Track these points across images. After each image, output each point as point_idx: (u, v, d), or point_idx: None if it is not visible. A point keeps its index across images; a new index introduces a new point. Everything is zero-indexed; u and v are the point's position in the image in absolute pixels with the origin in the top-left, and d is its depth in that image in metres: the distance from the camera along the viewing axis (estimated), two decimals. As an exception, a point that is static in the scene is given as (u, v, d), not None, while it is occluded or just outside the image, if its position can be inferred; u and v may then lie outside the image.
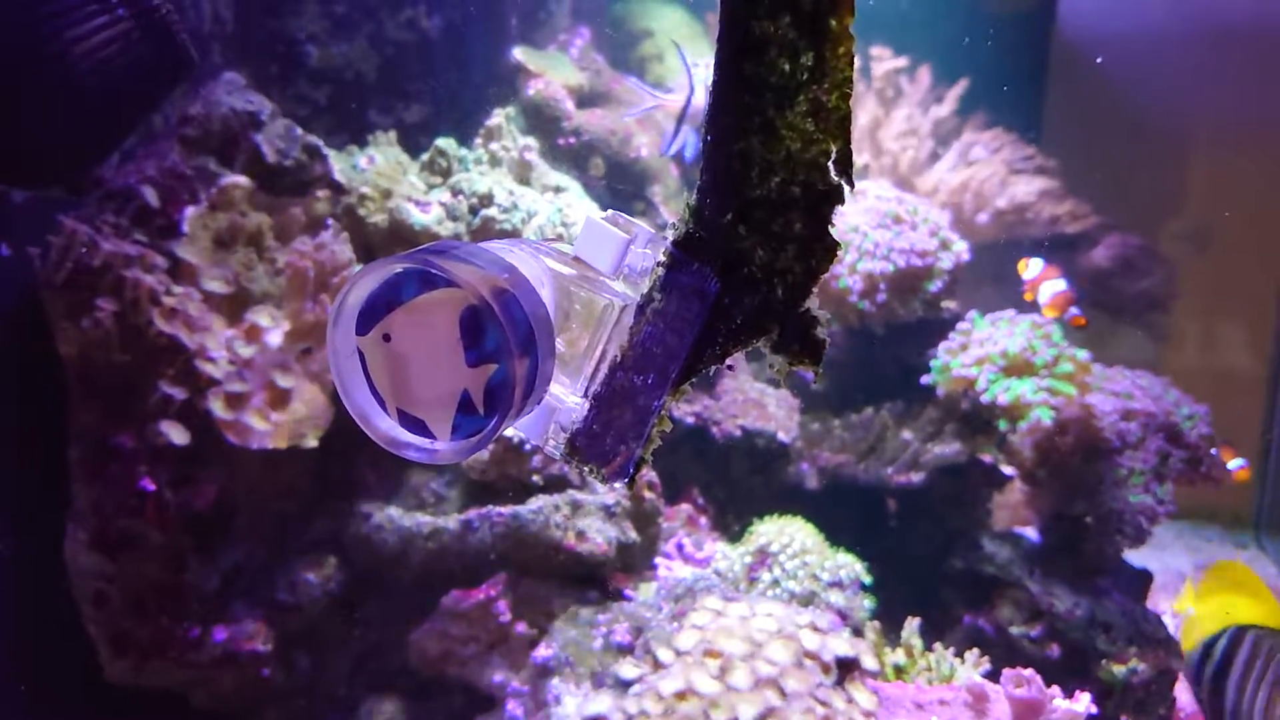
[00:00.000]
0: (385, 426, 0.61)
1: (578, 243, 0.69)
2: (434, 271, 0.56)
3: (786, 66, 0.62)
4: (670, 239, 0.69)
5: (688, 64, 1.67)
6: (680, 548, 1.98)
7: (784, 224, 0.66)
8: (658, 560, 1.88)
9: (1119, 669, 2.03)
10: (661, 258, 0.68)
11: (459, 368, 0.58)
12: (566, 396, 0.69)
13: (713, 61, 0.65)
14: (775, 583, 1.92)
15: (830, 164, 0.65)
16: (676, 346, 0.69)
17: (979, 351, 2.16)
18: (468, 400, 0.59)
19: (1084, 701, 1.43)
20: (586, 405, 0.69)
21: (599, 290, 0.69)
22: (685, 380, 0.71)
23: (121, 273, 1.51)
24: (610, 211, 0.72)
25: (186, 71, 1.26)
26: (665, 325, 0.69)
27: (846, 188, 0.65)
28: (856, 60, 0.64)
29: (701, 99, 1.87)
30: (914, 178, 2.76)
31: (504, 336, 0.56)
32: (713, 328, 0.69)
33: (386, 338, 0.58)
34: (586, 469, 0.69)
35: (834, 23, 0.62)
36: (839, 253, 0.67)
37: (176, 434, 1.52)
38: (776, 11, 0.62)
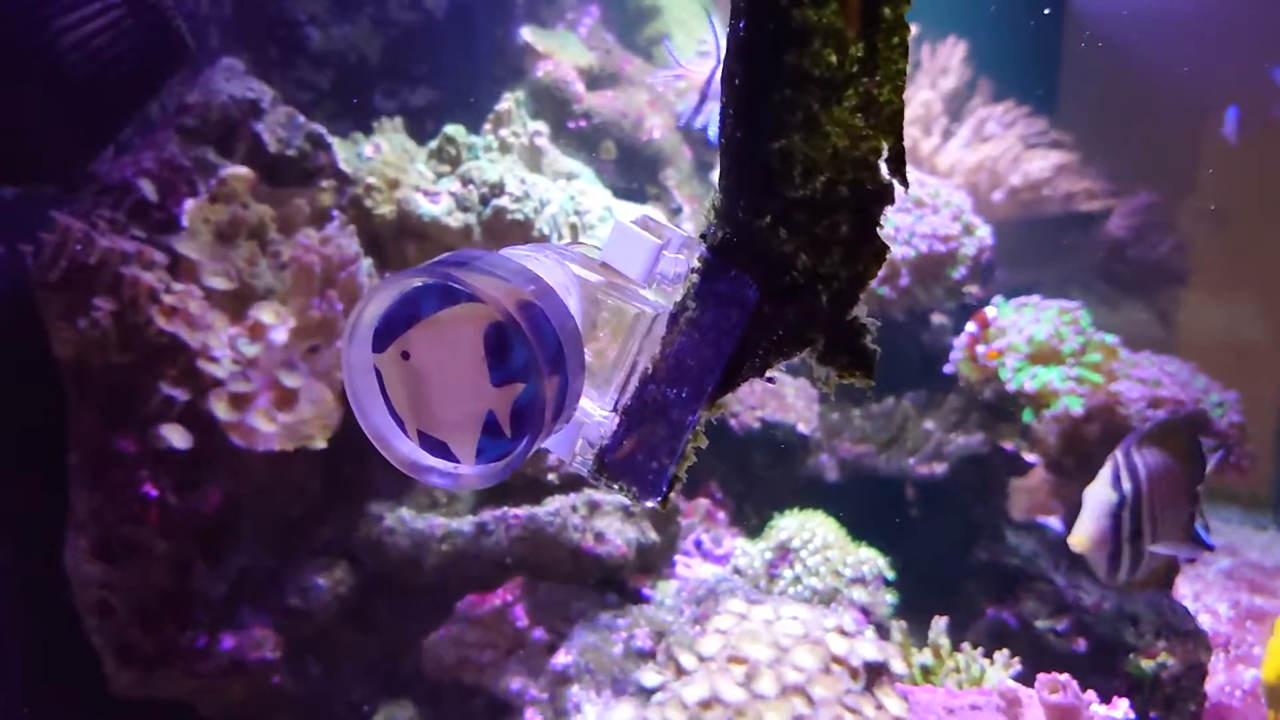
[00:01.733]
0: (405, 449, 0.57)
1: (606, 248, 0.64)
2: (455, 285, 0.51)
3: (834, 58, 0.57)
4: (704, 244, 0.64)
5: (717, 34, 1.60)
6: (699, 544, 1.93)
7: (829, 226, 0.61)
8: (676, 558, 1.83)
9: (1147, 663, 1.98)
10: (696, 264, 0.64)
11: (483, 387, 0.53)
12: (594, 410, 0.65)
13: (729, 49, 0.61)
14: (797, 579, 1.87)
15: (881, 162, 0.60)
16: (712, 358, 0.64)
17: (1003, 339, 2.10)
18: (493, 422, 0.54)
19: (1122, 708, 1.38)
20: (616, 419, 0.64)
21: (629, 299, 0.64)
22: (723, 394, 0.66)
23: (119, 270, 1.45)
24: (641, 215, 0.67)
25: (183, 60, 1.20)
26: (700, 336, 0.64)
27: (899, 186, 0.60)
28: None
29: None
30: (931, 157, 2.70)
31: (532, 354, 0.52)
32: (752, 338, 0.64)
33: (405, 355, 0.54)
34: (616, 487, 0.65)
35: (888, 10, 0.56)
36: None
37: (178, 437, 1.47)
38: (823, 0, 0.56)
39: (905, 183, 0.59)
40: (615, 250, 0.63)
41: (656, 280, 0.64)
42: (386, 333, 0.53)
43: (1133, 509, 1.44)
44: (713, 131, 1.64)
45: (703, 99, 1.60)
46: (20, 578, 1.51)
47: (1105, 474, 1.47)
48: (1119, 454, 1.48)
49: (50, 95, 1.10)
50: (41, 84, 1.08)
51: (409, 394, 0.55)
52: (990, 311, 2.14)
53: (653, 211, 2.18)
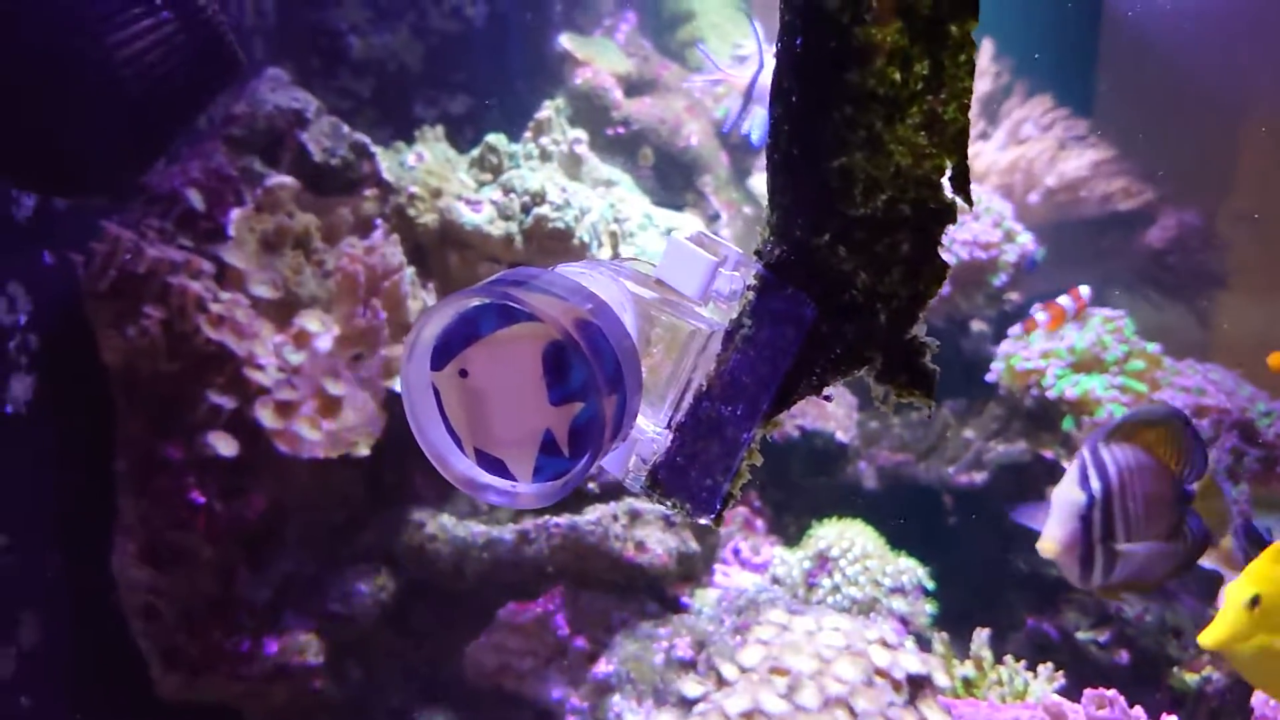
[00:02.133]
0: (462, 467, 0.57)
1: (661, 265, 0.64)
2: (514, 305, 0.51)
3: (898, 76, 0.57)
4: (760, 262, 0.64)
5: (759, 37, 1.59)
6: (737, 553, 1.92)
7: (890, 245, 0.61)
8: (715, 566, 1.83)
9: (1191, 677, 1.95)
10: (752, 281, 0.63)
11: (542, 406, 0.53)
12: (648, 426, 0.65)
13: (783, 66, 0.60)
14: (836, 589, 1.86)
15: (944, 180, 0.59)
16: (768, 376, 0.64)
17: (1045, 345, 2.08)
18: (551, 440, 0.54)
19: (1171, 724, 1.36)
20: (669, 436, 0.64)
21: (684, 315, 0.64)
22: (778, 412, 0.66)
23: (167, 279, 1.47)
24: (696, 231, 0.67)
25: (234, 73, 1.22)
26: (756, 354, 0.64)
27: (964, 205, 0.60)
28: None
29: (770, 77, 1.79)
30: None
31: (591, 374, 0.52)
32: (809, 356, 0.64)
33: (464, 373, 0.55)
34: (669, 504, 0.65)
35: (954, 28, 0.56)
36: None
37: (224, 445, 1.48)
38: (887, 18, 0.56)
39: (970, 201, 0.58)
40: (671, 267, 0.63)
41: (712, 297, 0.63)
42: (445, 351, 0.53)
43: (1103, 509, 1.38)
44: (755, 136, 1.62)
45: (745, 103, 1.59)
46: (70, 582, 1.53)
47: (1072, 473, 1.40)
48: (1085, 451, 1.41)
49: (105, 109, 1.11)
50: (96, 98, 1.10)
51: (466, 412, 0.55)
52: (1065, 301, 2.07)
53: (691, 218, 2.18)
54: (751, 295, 0.63)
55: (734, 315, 0.63)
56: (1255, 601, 1.24)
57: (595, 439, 0.53)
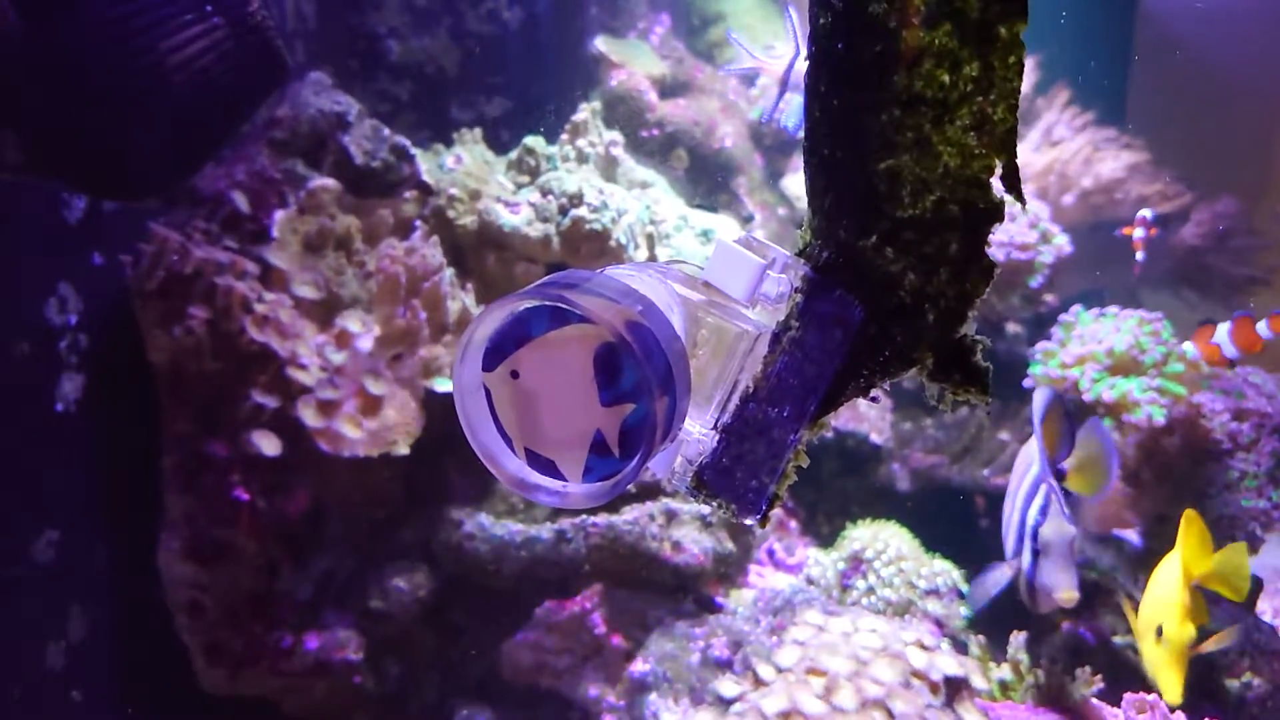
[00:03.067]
0: (513, 467, 0.58)
1: (708, 267, 0.64)
2: (565, 307, 0.52)
3: (947, 78, 0.57)
4: (807, 264, 0.64)
5: (794, 25, 1.58)
6: (771, 553, 1.92)
7: (939, 245, 0.61)
8: (749, 567, 1.83)
9: (1232, 682, 1.93)
10: (799, 284, 0.64)
11: (592, 407, 0.54)
12: (694, 428, 0.65)
13: (823, 69, 0.60)
14: (870, 590, 1.86)
15: (994, 180, 0.59)
16: (815, 378, 0.64)
17: (1081, 349, 2.07)
18: (601, 441, 0.55)
19: (1214, 729, 1.35)
20: (715, 437, 0.65)
21: (731, 318, 0.65)
22: (825, 413, 0.66)
23: (213, 280, 1.50)
24: (743, 234, 0.67)
25: (281, 77, 1.24)
26: (803, 355, 0.64)
27: (1016, 204, 0.60)
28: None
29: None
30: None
31: (642, 375, 0.52)
32: (856, 358, 0.64)
33: (515, 374, 0.55)
34: (715, 504, 0.65)
35: (1003, 30, 0.56)
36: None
37: (268, 444, 1.51)
38: (935, 20, 0.56)
39: (1022, 199, 0.58)
40: (718, 269, 0.63)
41: (759, 300, 0.64)
42: (496, 353, 0.54)
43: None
44: (791, 123, 1.62)
45: (781, 91, 1.58)
46: (117, 577, 1.56)
47: (1053, 509, 1.36)
48: (1050, 483, 1.37)
49: (156, 113, 1.14)
50: (148, 103, 1.12)
51: (518, 412, 0.55)
52: (1068, 318, 2.09)
53: (726, 220, 2.18)
54: (799, 297, 0.63)
55: (781, 318, 0.64)
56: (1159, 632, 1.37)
57: (646, 440, 0.53)
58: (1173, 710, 1.32)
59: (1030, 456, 1.42)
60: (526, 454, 0.57)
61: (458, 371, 0.56)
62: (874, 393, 0.66)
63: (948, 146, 0.58)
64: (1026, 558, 1.31)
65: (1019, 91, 0.57)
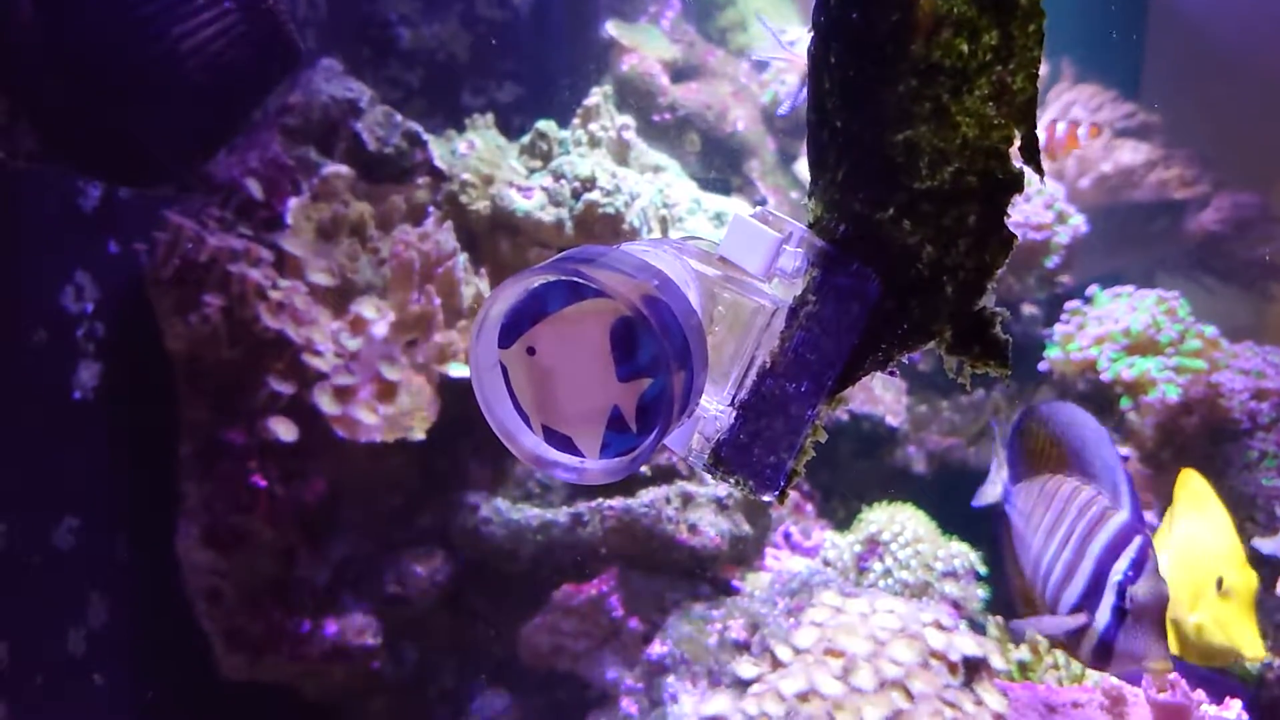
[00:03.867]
0: (530, 444, 0.57)
1: (725, 242, 0.64)
2: (581, 281, 0.51)
3: (965, 48, 0.57)
4: (824, 238, 0.64)
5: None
6: (788, 536, 1.92)
7: (957, 217, 0.60)
8: (766, 550, 1.83)
9: (1252, 664, 1.92)
10: (815, 258, 0.63)
11: (609, 382, 0.54)
12: (711, 404, 0.65)
13: (833, 39, 0.60)
14: (887, 573, 1.86)
15: (1013, 150, 0.59)
16: (833, 352, 0.64)
17: (1098, 330, 2.05)
18: (618, 416, 0.54)
19: (1235, 708, 1.34)
20: (733, 414, 0.65)
21: (747, 293, 0.64)
22: (843, 388, 0.66)
23: (228, 267, 1.50)
24: (759, 209, 0.67)
25: (293, 63, 1.24)
26: (821, 330, 0.64)
27: (1034, 175, 0.60)
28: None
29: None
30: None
31: (660, 349, 0.52)
32: (875, 332, 0.64)
33: (531, 351, 0.55)
34: (732, 481, 0.65)
35: (1023, -1, 0.56)
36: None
37: (285, 430, 1.51)
38: (952, -12, 0.56)
39: (1040, 170, 0.58)
40: (734, 244, 0.63)
41: (776, 274, 0.63)
42: (512, 329, 0.54)
43: None
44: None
45: (803, 84, 1.57)
46: (136, 565, 1.57)
47: (1150, 569, 1.15)
48: (1148, 542, 1.24)
49: (169, 100, 1.14)
50: (161, 89, 1.12)
51: (534, 389, 0.55)
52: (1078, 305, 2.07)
53: (739, 202, 2.17)
54: (816, 271, 0.63)
55: (798, 292, 0.63)
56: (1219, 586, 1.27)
57: (663, 415, 0.53)
58: (1256, 660, 1.25)
59: (1071, 492, 1.30)
60: (544, 430, 0.56)
61: (473, 349, 0.56)
62: (891, 366, 0.66)
63: (966, 117, 0.58)
64: (1105, 615, 1.18)
65: (1039, 61, 0.57)
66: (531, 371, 0.55)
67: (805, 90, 1.60)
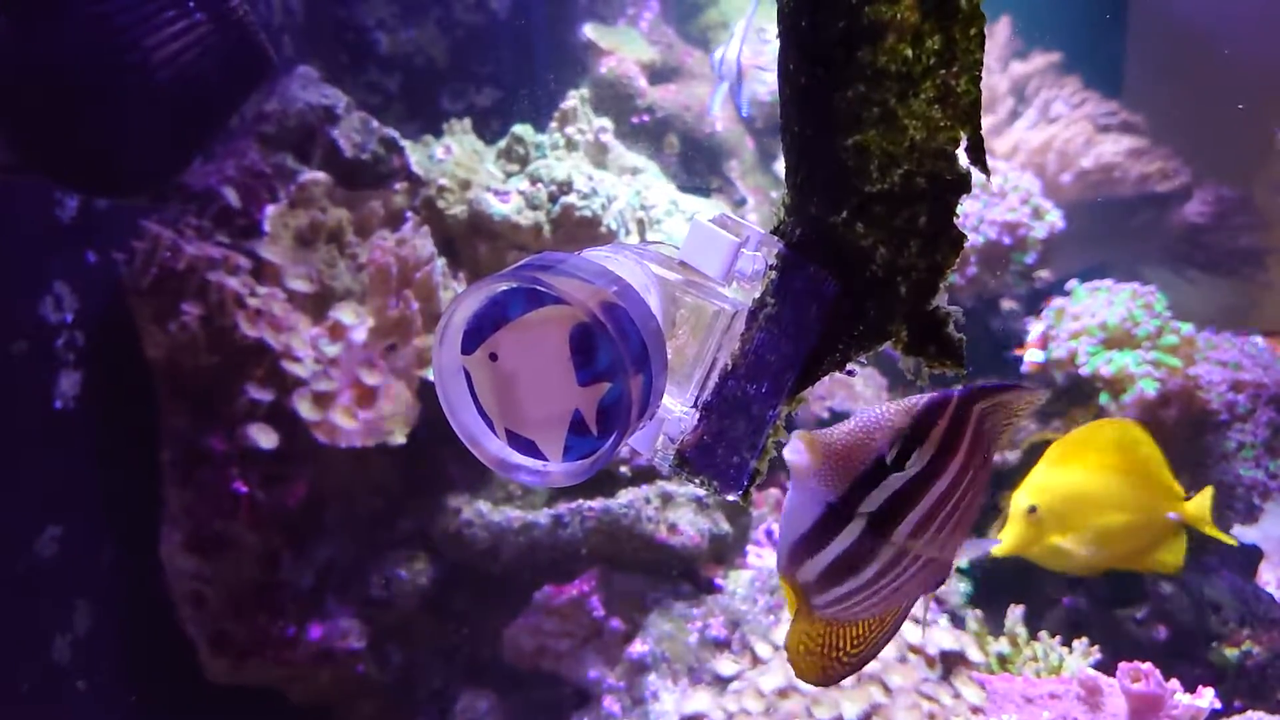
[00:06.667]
0: (494, 448, 0.59)
1: (685, 247, 0.65)
2: (541, 289, 0.52)
3: (909, 52, 0.58)
4: (781, 242, 0.65)
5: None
6: (770, 534, 1.93)
7: (908, 219, 0.62)
8: (748, 548, 1.84)
9: (1231, 652, 1.94)
10: (773, 261, 0.64)
11: (570, 387, 0.55)
12: (675, 406, 0.66)
13: (789, 46, 0.61)
14: (869, 569, 1.87)
15: (959, 151, 0.60)
16: (792, 354, 0.65)
17: (1075, 325, 2.07)
18: (580, 420, 0.56)
19: (1207, 696, 1.36)
20: (696, 415, 0.66)
21: (708, 296, 0.65)
22: (803, 388, 0.67)
23: (206, 275, 1.51)
24: (719, 213, 0.68)
25: (265, 72, 1.25)
26: (780, 331, 0.65)
27: (980, 175, 0.61)
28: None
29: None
30: (993, 138, 2.65)
31: (617, 354, 0.53)
32: (832, 333, 0.65)
33: (494, 357, 0.56)
34: (697, 481, 0.66)
35: (964, 2, 0.57)
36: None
37: (265, 438, 1.52)
38: (897, -6, 0.57)
39: (987, 170, 0.59)
40: (694, 248, 0.64)
41: (735, 277, 0.64)
42: (475, 335, 0.55)
43: None
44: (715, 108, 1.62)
45: (741, 85, 1.59)
46: (120, 571, 1.57)
47: None
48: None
49: (142, 110, 1.15)
50: (134, 100, 1.13)
51: (497, 394, 0.56)
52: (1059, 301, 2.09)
53: (718, 205, 2.19)
54: (774, 274, 0.64)
55: (757, 295, 0.64)
56: (1033, 510, 1.48)
57: (622, 418, 0.54)
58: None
59: None
60: (507, 435, 0.57)
61: (436, 355, 0.57)
62: (850, 366, 0.67)
63: (913, 120, 0.59)
64: None
65: (981, 63, 0.58)
66: (494, 377, 0.56)
67: (745, 90, 1.60)
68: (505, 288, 0.53)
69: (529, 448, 0.57)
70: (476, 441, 0.59)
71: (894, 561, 0.64)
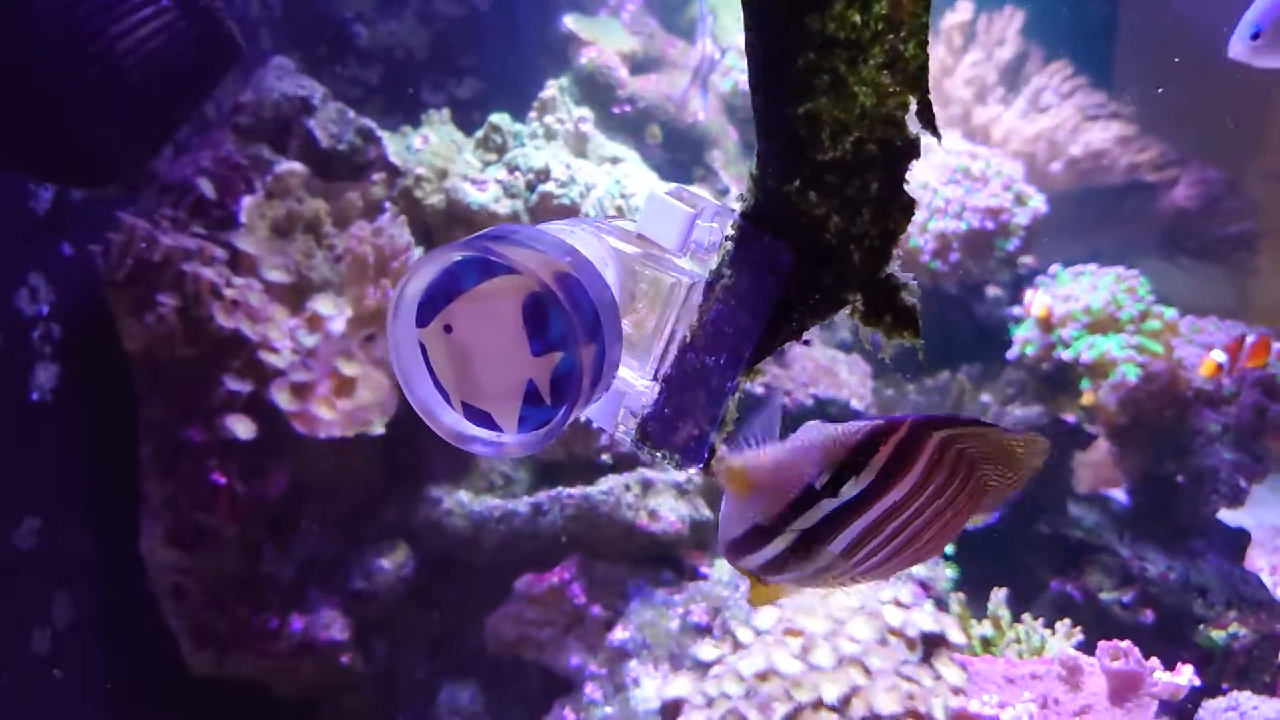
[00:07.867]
0: (450, 421, 0.58)
1: (641, 219, 0.65)
2: (493, 259, 0.52)
3: (857, 19, 0.58)
4: (738, 212, 0.65)
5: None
6: (754, 521, 1.93)
7: (860, 186, 0.62)
8: (732, 535, 1.84)
9: (1218, 634, 1.94)
10: (729, 231, 0.64)
11: (524, 357, 0.54)
12: (635, 380, 0.66)
13: (746, 20, 0.61)
14: (853, 554, 1.87)
15: (909, 116, 0.60)
16: (749, 324, 0.65)
17: (1060, 309, 2.07)
18: (534, 391, 0.55)
19: (1186, 674, 1.36)
20: (656, 388, 0.65)
21: (665, 268, 0.65)
22: (760, 359, 0.67)
23: (181, 267, 1.50)
24: (674, 186, 0.68)
25: (234, 59, 1.24)
26: (737, 302, 0.65)
27: (933, 139, 0.61)
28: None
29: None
30: (985, 127, 2.65)
31: (569, 323, 0.53)
32: (788, 302, 0.65)
33: (448, 329, 0.56)
34: (659, 454, 0.66)
35: (910, -35, 0.57)
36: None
37: (243, 429, 1.52)
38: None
39: (937, 133, 0.59)
40: (650, 221, 0.64)
41: (692, 249, 0.64)
42: (430, 307, 0.54)
43: None
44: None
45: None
46: (101, 564, 1.57)
47: None
48: None
49: (110, 99, 1.14)
50: (102, 88, 1.12)
51: (452, 366, 0.56)
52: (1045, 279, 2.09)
53: (700, 192, 2.18)
54: (730, 245, 0.64)
55: (713, 266, 0.64)
56: None
57: (575, 387, 0.54)
58: None
59: None
60: (464, 407, 0.57)
61: (391, 328, 0.56)
62: (806, 336, 0.67)
63: (863, 86, 0.59)
64: None
65: (927, 27, 0.58)
66: (449, 349, 0.56)
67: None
68: (459, 257, 0.53)
69: (485, 420, 0.57)
70: (433, 414, 0.58)
71: (834, 565, 0.64)
